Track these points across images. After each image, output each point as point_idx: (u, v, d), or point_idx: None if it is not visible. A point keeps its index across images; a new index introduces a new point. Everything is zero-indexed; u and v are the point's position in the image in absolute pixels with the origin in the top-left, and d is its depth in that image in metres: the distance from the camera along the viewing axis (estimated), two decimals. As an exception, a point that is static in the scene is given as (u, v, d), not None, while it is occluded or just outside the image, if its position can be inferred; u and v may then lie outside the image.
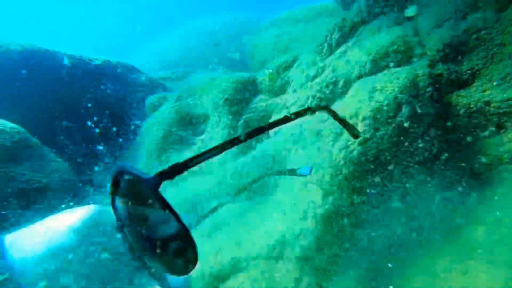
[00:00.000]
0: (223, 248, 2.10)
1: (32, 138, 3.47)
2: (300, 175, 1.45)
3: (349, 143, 1.90)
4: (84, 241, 0.99)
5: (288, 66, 3.69)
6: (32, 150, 3.34)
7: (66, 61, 4.18)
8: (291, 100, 3.09)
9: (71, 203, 3.11)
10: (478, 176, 1.86)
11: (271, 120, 3.48)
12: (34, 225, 1.06)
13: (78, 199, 3.29)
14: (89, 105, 4.25)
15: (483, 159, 1.86)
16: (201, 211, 2.72)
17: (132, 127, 4.34)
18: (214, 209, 2.31)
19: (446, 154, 1.86)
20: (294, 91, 3.19)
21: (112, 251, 1.00)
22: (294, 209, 1.93)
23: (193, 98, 4.29)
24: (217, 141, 3.69)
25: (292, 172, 1.48)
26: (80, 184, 3.43)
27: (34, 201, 2.88)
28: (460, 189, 1.83)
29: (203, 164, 3.63)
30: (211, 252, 2.11)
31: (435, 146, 1.90)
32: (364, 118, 1.99)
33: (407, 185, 1.79)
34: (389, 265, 1.69)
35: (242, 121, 3.79)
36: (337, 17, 6.21)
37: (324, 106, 1.56)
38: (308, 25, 6.42)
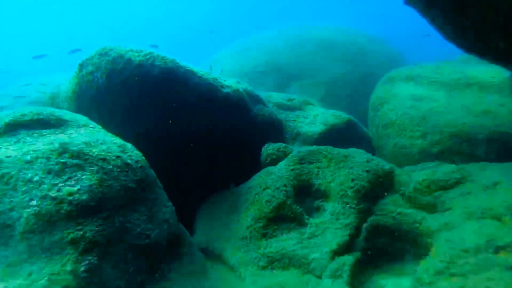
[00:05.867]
0: None
1: (151, 173, 3.29)
2: None
3: None
4: None
5: (448, 187, 3.12)
6: (150, 189, 3.15)
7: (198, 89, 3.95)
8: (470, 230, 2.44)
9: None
10: None
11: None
12: None
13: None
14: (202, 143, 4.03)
15: None
16: None
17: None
18: None
19: None
20: (468, 217, 2.58)
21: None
22: None
23: (316, 165, 3.88)
24: (333, 238, 3.27)
25: None
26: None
27: (140, 266, 2.69)
28: None
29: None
30: None
31: None
32: None
33: None
34: None
35: (369, 223, 3.34)
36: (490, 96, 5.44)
37: None
38: (454, 95, 5.65)
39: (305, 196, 3.78)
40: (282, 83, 10.18)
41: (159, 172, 3.50)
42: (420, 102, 5.55)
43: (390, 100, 5.78)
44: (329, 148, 4.02)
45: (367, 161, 3.68)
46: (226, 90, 4.12)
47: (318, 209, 3.71)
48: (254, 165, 4.32)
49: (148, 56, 3.80)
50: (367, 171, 3.56)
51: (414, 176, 3.39)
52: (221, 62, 11.36)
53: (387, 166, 3.63)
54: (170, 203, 3.30)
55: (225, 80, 4.34)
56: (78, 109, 4.13)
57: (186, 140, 4.04)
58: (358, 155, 3.79)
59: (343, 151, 3.92)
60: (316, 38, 10.90)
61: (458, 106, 5.25)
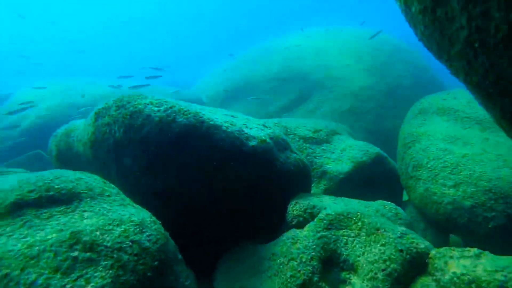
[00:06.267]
0: None
1: (170, 249, 3.09)
2: None
3: None
4: None
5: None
6: (168, 270, 2.96)
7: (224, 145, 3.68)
8: None
9: None
10: None
11: None
12: None
13: None
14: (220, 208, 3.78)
15: None
16: None
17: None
18: None
19: None
20: None
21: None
22: None
23: (344, 232, 3.63)
24: (361, 327, 3.06)
25: None
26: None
27: None
28: None
29: None
30: None
31: None
32: None
33: None
34: None
35: (399, 313, 3.11)
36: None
37: None
38: (488, 136, 5.27)
39: (331, 265, 3.55)
40: (306, 91, 9.82)
41: (178, 230, 3.34)
42: (454, 145, 5.20)
43: (422, 139, 5.43)
44: (360, 212, 3.76)
45: (400, 237, 3.41)
46: (252, 143, 3.85)
47: (344, 282, 3.48)
48: (278, 214, 4.10)
49: (168, 111, 3.54)
50: (401, 250, 3.29)
51: (451, 264, 3.11)
52: (240, 68, 11.02)
53: (422, 245, 3.35)
54: (189, 281, 3.12)
55: (250, 128, 4.06)
56: (95, 157, 3.94)
57: (208, 197, 3.82)
58: (390, 228, 3.51)
59: (373, 218, 3.65)
60: (342, 46, 10.42)
61: (493, 155, 4.89)
